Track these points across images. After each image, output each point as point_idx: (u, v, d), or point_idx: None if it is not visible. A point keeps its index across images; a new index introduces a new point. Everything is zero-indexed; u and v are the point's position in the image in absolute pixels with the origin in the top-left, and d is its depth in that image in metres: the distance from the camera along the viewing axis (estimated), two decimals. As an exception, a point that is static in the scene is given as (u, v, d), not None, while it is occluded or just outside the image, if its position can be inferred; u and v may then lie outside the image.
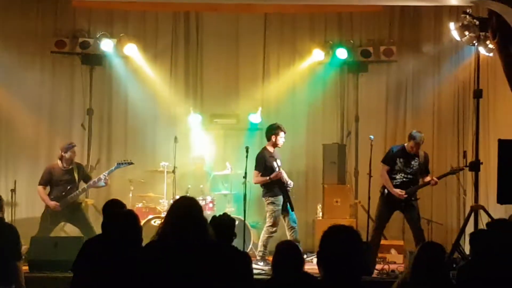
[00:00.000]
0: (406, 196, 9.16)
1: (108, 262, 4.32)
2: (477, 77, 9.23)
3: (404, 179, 9.29)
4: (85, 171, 10.18)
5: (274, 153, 9.71)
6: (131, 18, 12.26)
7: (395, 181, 9.29)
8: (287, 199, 9.52)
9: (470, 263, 5.67)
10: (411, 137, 9.34)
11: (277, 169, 9.46)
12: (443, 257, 4.97)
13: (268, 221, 9.54)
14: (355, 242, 3.33)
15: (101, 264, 4.42)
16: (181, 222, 4.14)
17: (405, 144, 9.45)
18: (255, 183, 9.72)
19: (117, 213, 4.48)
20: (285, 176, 9.59)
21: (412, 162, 9.31)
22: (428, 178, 9.36)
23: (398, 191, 9.16)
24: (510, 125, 9.97)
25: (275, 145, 9.69)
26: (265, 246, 9.36)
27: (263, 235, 9.53)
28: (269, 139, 9.70)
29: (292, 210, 9.51)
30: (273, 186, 9.56)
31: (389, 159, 9.40)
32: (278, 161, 9.64)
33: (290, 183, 9.64)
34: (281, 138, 9.65)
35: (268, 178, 9.51)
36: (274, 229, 9.43)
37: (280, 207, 9.48)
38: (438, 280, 4.82)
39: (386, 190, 9.30)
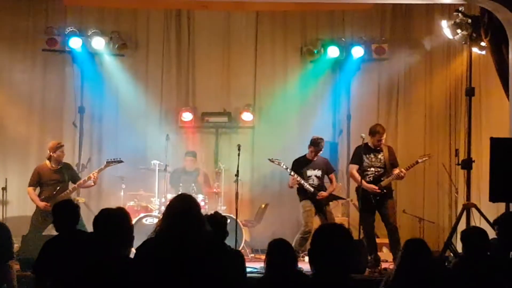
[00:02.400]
0: (379, 190, 9.18)
1: (96, 261, 4.29)
2: (469, 75, 9.25)
3: (376, 173, 9.33)
4: (74, 170, 10.15)
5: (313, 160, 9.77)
6: (122, 16, 12.23)
7: (368, 176, 9.32)
8: (314, 202, 9.62)
9: (462, 260, 5.68)
10: (373, 132, 9.35)
11: (294, 175, 9.57)
12: (427, 252, 4.98)
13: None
14: (345, 240, 3.35)
15: (79, 264, 4.40)
16: (179, 220, 4.13)
17: (368, 142, 9.45)
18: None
19: (108, 211, 4.45)
20: (306, 184, 9.62)
21: (379, 156, 9.35)
22: (396, 171, 9.37)
23: (371, 186, 9.20)
24: (502, 123, 9.98)
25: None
26: (295, 246, 9.23)
27: (297, 236, 9.54)
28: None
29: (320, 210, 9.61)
30: (299, 191, 9.72)
31: (355, 158, 9.44)
32: (313, 171, 9.72)
33: (311, 188, 9.65)
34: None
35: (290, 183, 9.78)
36: (306, 229, 9.42)
37: (308, 209, 9.57)
38: (423, 276, 4.83)
39: (359, 190, 9.35)
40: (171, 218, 4.19)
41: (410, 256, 4.96)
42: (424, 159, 9.78)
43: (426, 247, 5.07)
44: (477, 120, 10.52)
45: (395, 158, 9.60)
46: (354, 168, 9.45)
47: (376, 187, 9.20)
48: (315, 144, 9.70)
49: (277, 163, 9.84)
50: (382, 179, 9.29)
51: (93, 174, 9.79)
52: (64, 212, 5.78)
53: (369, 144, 9.42)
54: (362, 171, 9.31)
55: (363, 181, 9.23)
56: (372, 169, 9.36)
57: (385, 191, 9.27)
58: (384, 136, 9.41)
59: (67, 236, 5.59)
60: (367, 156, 9.36)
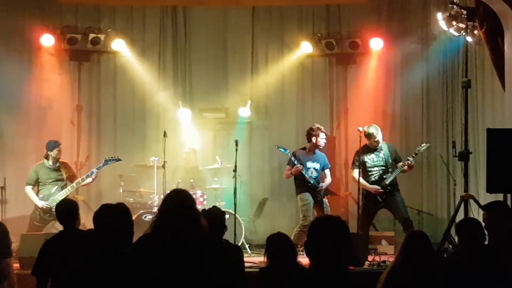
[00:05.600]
0: (381, 190, 9.24)
1: (98, 257, 4.30)
2: (466, 67, 9.24)
3: (381, 171, 9.40)
4: (71, 168, 10.17)
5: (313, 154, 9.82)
6: (118, 13, 12.23)
7: (372, 176, 9.39)
8: (312, 194, 9.67)
9: (459, 252, 5.69)
10: (368, 136, 9.45)
11: (299, 166, 9.59)
12: (428, 245, 5.00)
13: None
14: (342, 232, 3.35)
15: (83, 260, 4.41)
16: (174, 215, 4.14)
17: (367, 143, 9.52)
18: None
19: (108, 206, 4.46)
20: (307, 174, 9.65)
21: (380, 155, 9.41)
22: (399, 164, 9.40)
23: (373, 187, 9.25)
24: (498, 113, 9.99)
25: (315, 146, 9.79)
26: (294, 240, 9.24)
27: (295, 229, 9.57)
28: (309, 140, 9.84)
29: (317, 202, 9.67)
30: (297, 184, 9.77)
31: (354, 163, 9.51)
32: (313, 163, 9.74)
33: (313, 180, 9.67)
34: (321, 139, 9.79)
35: (289, 172, 9.77)
36: (305, 223, 9.44)
37: (308, 203, 9.60)
38: (424, 268, 4.85)
39: (364, 192, 9.41)
40: (166, 214, 4.20)
41: (412, 248, 4.98)
42: (423, 148, 9.79)
43: (427, 240, 5.09)
44: (474, 111, 10.52)
45: (397, 154, 9.65)
46: (355, 172, 9.51)
47: (379, 188, 9.27)
48: (312, 134, 9.73)
49: (283, 151, 9.87)
50: (384, 176, 9.35)
51: (92, 172, 9.83)
52: (65, 211, 5.83)
53: (368, 145, 9.48)
54: (366, 172, 9.41)
55: (366, 183, 9.35)
56: (376, 168, 9.45)
57: (389, 188, 9.32)
58: (379, 135, 9.44)
59: (67, 234, 5.62)
60: (369, 156, 9.42)
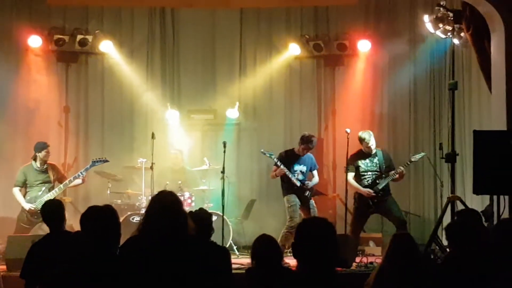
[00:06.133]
0: (374, 194, 9.28)
1: (85, 258, 4.30)
2: (452, 69, 9.31)
3: (374, 176, 9.44)
4: (60, 171, 10.15)
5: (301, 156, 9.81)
6: (106, 15, 12.20)
7: (366, 180, 9.44)
8: (299, 196, 9.71)
9: (451, 256, 5.70)
10: (360, 140, 9.48)
11: (281, 167, 9.64)
12: (414, 246, 5.02)
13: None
14: (329, 234, 3.37)
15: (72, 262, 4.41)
16: (161, 216, 4.14)
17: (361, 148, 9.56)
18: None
19: (95, 208, 4.46)
20: (293, 177, 9.67)
21: (374, 160, 9.46)
22: (391, 172, 9.42)
23: (366, 191, 9.30)
24: (485, 116, 10.05)
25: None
26: (281, 241, 9.27)
27: (282, 231, 9.58)
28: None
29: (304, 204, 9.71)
30: (284, 185, 9.81)
31: (349, 167, 9.53)
32: (299, 166, 9.76)
33: (299, 182, 9.70)
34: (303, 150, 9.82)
35: (274, 173, 9.81)
36: (292, 224, 9.47)
37: (294, 204, 9.65)
38: (411, 269, 4.87)
39: (356, 195, 9.44)
40: (153, 215, 4.20)
41: (397, 250, 5.00)
42: (418, 156, 9.82)
43: (412, 242, 5.11)
44: (461, 113, 10.58)
45: (391, 161, 9.67)
46: (349, 176, 9.54)
47: (371, 191, 9.31)
48: (308, 141, 9.73)
49: (268, 155, 9.91)
50: (377, 181, 9.39)
51: (79, 173, 9.81)
52: (51, 212, 5.81)
53: (363, 150, 9.51)
54: (359, 176, 9.45)
55: (359, 186, 9.40)
56: (369, 173, 9.49)
57: (381, 193, 9.36)
58: (372, 141, 9.44)
59: (55, 236, 5.60)
60: (363, 161, 9.46)
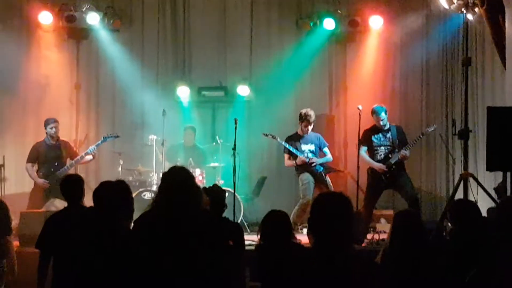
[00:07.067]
0: (386, 169, 9.22)
1: (99, 233, 4.30)
2: (466, 45, 9.19)
3: (387, 150, 9.36)
4: (71, 148, 10.18)
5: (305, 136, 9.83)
6: (116, -9, 12.13)
7: (378, 155, 9.36)
8: (313, 174, 9.71)
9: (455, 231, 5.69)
10: (371, 113, 9.40)
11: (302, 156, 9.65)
12: (416, 223, 4.99)
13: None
14: (345, 207, 3.32)
15: (85, 236, 4.41)
16: (175, 192, 4.13)
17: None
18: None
19: (108, 183, 4.46)
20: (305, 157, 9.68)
21: (387, 135, 9.38)
22: (401, 152, 9.35)
23: (378, 165, 9.23)
24: (498, 92, 9.96)
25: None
26: (293, 219, 9.31)
27: (295, 208, 9.60)
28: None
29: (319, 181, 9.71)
30: (297, 165, 9.81)
31: (364, 140, 9.46)
32: (306, 145, 9.77)
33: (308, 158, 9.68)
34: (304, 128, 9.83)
35: (291, 162, 9.81)
36: (304, 201, 9.50)
37: (307, 182, 9.64)
38: (416, 246, 4.84)
39: (369, 170, 9.38)
40: (166, 190, 4.18)
41: (401, 228, 4.97)
42: (430, 129, 9.77)
43: (415, 219, 5.07)
44: (473, 90, 10.48)
45: (404, 136, 9.55)
46: (361, 150, 9.48)
47: (384, 166, 9.24)
48: (306, 116, 9.71)
49: (271, 137, 9.91)
50: (390, 156, 9.32)
51: (90, 149, 9.83)
52: (70, 186, 5.80)
53: (376, 125, 9.44)
54: (372, 151, 9.38)
55: (371, 161, 9.32)
56: (382, 148, 9.41)
57: (393, 167, 9.28)
58: (384, 116, 9.35)
59: (73, 210, 5.60)
60: (376, 136, 9.39)
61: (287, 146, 9.69)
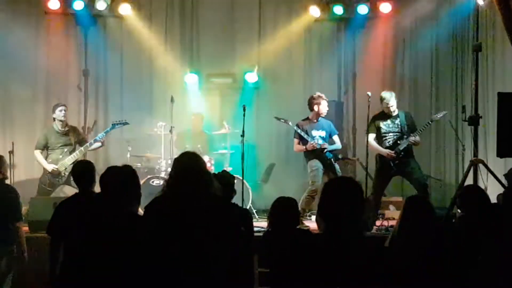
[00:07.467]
0: (394, 155, 9.15)
1: (106, 219, 4.30)
2: (476, 31, 9.14)
3: (395, 137, 9.27)
4: (81, 133, 10.19)
5: (316, 122, 9.77)
6: (124, -23, 12.08)
7: (387, 141, 9.27)
8: (322, 161, 9.64)
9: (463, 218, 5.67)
10: (380, 100, 9.31)
11: (312, 142, 9.58)
12: (427, 209, 4.96)
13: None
14: (356, 193, 3.31)
15: (94, 222, 4.41)
16: (187, 176, 4.13)
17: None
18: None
19: (115, 168, 4.46)
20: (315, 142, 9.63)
21: (396, 122, 9.28)
22: (411, 137, 9.27)
23: (387, 151, 9.16)
24: (509, 77, 9.89)
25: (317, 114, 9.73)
26: (302, 205, 9.30)
27: (304, 195, 9.57)
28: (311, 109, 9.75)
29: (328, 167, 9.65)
30: (306, 152, 9.73)
31: (369, 127, 9.39)
32: (317, 131, 9.71)
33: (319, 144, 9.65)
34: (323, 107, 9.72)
35: (302, 147, 9.71)
36: (313, 188, 9.45)
37: (317, 169, 9.57)
38: (425, 231, 4.82)
39: (378, 157, 9.33)
40: (177, 175, 4.18)
41: (411, 213, 4.95)
42: (440, 115, 9.70)
43: (425, 205, 5.05)
44: (484, 75, 10.40)
45: (413, 122, 9.43)
46: (369, 137, 9.40)
47: (392, 152, 9.17)
48: (318, 99, 9.67)
49: (283, 121, 9.89)
50: (399, 142, 9.25)
51: (99, 136, 9.85)
52: (81, 172, 5.80)
53: (385, 111, 9.36)
54: (380, 137, 9.29)
55: (380, 147, 9.22)
56: (390, 134, 9.30)
57: (402, 154, 9.21)
58: (393, 102, 9.25)
59: (83, 196, 5.60)
60: (384, 122, 9.31)
61: (298, 130, 9.65)
